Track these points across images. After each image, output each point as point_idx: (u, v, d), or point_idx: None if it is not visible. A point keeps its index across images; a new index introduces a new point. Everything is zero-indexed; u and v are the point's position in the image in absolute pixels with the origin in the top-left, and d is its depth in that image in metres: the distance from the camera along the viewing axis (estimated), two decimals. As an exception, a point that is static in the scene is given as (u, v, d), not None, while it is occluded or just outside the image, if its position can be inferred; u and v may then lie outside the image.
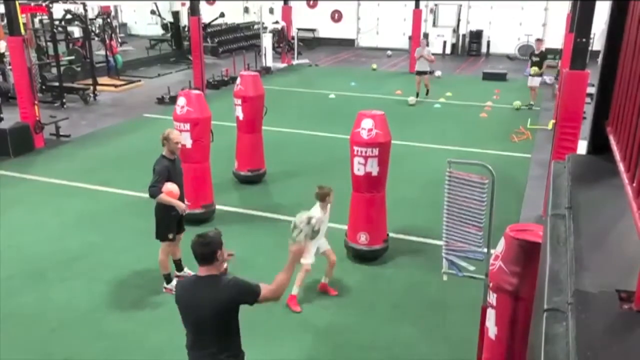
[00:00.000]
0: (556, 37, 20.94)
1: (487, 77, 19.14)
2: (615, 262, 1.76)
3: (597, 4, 7.00)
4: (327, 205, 6.13)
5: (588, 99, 8.50)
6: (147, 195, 6.05)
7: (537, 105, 15.12)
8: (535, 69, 14.55)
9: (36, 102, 11.51)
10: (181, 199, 6.18)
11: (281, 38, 21.95)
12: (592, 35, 8.00)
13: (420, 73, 15.82)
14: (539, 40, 15.50)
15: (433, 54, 16.32)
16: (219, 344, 3.58)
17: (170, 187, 5.97)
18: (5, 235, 7.66)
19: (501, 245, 3.70)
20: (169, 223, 6.14)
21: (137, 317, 5.94)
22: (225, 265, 3.75)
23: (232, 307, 3.57)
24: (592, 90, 7.26)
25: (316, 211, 5.85)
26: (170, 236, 6.18)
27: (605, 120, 2.80)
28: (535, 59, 14.70)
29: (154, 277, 6.59)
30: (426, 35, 24.37)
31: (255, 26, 25.02)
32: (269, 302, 3.70)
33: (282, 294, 3.73)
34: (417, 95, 15.88)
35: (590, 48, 7.92)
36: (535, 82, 14.70)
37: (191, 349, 3.68)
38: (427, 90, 16.10)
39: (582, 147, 6.78)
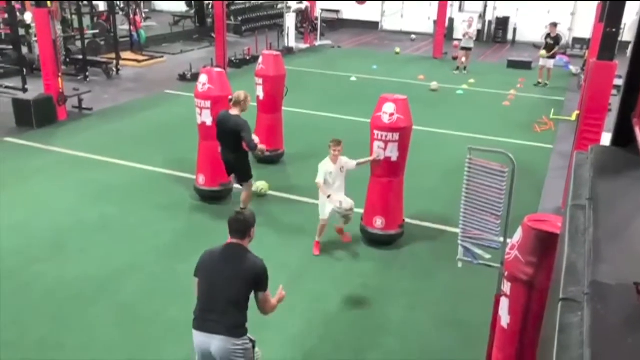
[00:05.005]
0: (585, 26, 20.51)
1: (512, 65, 18.87)
2: (634, 255, 1.74)
3: (630, -7, 6.84)
4: (338, 159, 6.51)
5: (614, 91, 8.35)
6: (165, 170, 6.11)
7: (553, 86, 15.99)
8: (543, 52, 15.98)
9: (60, 74, 11.62)
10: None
11: (305, 18, 21.80)
12: (622, 26, 7.82)
13: (465, 49, 17.61)
14: (553, 25, 16.48)
15: (457, 40, 18.64)
16: (227, 310, 3.80)
17: (257, 139, 7.07)
18: (27, 205, 7.80)
19: (518, 234, 3.68)
20: (249, 166, 7.28)
21: (152, 290, 6.03)
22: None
23: (250, 282, 3.83)
24: (619, 82, 7.13)
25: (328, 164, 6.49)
26: (251, 173, 7.32)
27: (631, 112, 2.75)
28: (550, 41, 16.06)
29: (171, 251, 6.68)
30: (452, 20, 24.16)
31: (279, 6, 24.87)
32: (262, 307, 3.98)
33: (271, 311, 4.04)
34: (457, 68, 17.75)
35: (619, 38, 7.74)
36: (549, 63, 16.08)
37: (201, 312, 3.89)
38: (465, 67, 17.63)
39: (605, 139, 6.68)
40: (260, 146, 7.04)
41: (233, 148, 6.92)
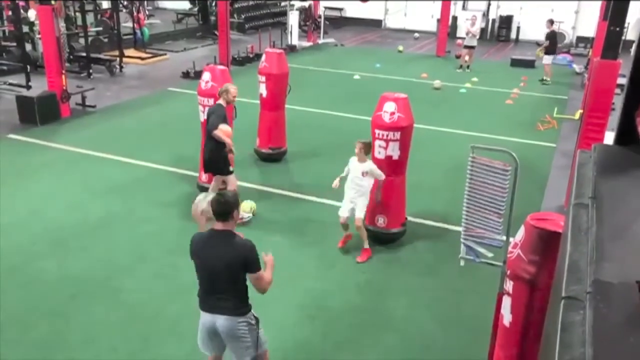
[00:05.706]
0: (589, 25, 20.45)
1: (515, 63, 18.84)
2: (636, 254, 1.73)
3: (634, -8, 6.82)
4: (363, 159, 6.42)
5: (618, 90, 8.33)
6: (167, 167, 6.14)
7: (557, 85, 16.10)
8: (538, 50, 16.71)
9: (63, 71, 11.64)
10: None
11: (308, 16, 21.79)
12: (626, 24, 7.79)
13: (468, 47, 17.64)
14: (548, 22, 16.67)
15: (460, 38, 18.72)
16: (229, 290, 3.91)
17: (226, 127, 6.90)
18: (30, 202, 7.82)
19: (521, 233, 3.68)
20: (226, 159, 7.02)
21: (154, 288, 6.04)
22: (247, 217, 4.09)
23: (241, 264, 3.88)
24: (622, 81, 7.10)
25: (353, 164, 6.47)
26: (231, 169, 7.13)
27: (635, 111, 2.74)
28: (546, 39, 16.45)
29: (173, 249, 6.68)
30: (455, 19, 24.14)
31: (282, 3, 24.85)
32: (256, 286, 3.98)
33: (267, 287, 4.01)
34: (461, 67, 17.89)
35: (623, 37, 7.71)
36: (546, 59, 16.20)
37: (203, 294, 4.00)
38: (468, 65, 17.70)
39: (608, 138, 6.66)
40: (225, 138, 6.82)
41: (210, 138, 6.99)
